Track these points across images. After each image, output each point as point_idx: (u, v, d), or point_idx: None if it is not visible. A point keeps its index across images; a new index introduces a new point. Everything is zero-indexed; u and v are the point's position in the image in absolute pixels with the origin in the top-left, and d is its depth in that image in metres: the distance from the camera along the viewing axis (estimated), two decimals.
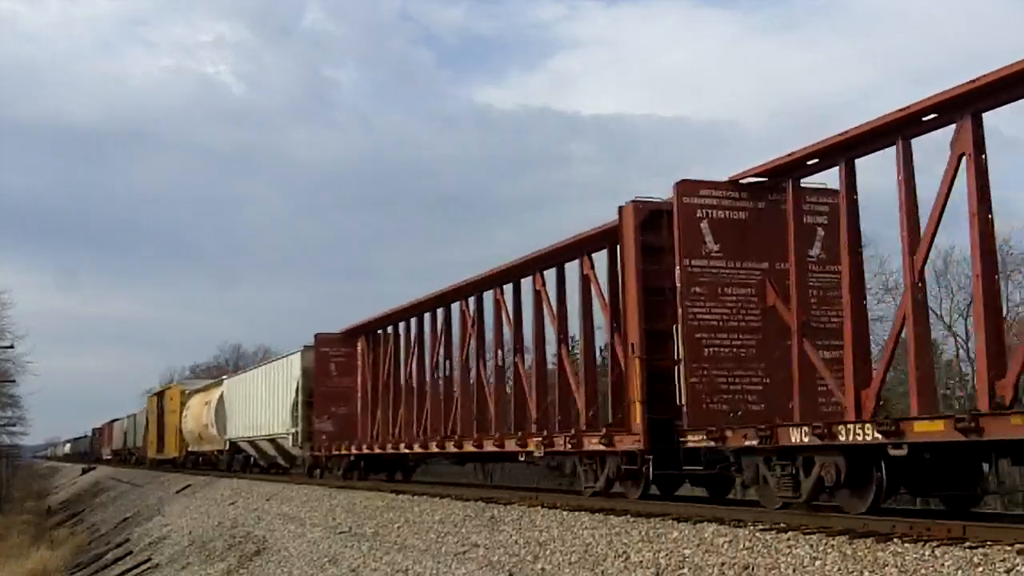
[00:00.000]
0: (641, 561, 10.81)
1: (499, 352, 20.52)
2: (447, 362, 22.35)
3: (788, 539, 9.95)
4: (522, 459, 18.32)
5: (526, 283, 18.99)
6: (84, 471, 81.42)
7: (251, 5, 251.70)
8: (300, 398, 28.59)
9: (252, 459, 37.34)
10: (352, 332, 28.08)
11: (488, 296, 20.42)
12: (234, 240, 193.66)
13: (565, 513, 13.95)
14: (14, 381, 53.61)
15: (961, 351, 36.07)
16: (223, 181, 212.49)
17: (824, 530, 10.00)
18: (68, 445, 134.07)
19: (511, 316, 19.45)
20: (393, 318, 25.35)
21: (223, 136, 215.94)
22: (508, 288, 19.62)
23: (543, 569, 11.80)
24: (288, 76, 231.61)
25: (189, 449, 46.40)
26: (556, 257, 17.48)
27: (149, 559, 24.45)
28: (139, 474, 53.54)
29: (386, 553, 15.06)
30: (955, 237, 30.97)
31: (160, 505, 34.42)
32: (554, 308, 17.92)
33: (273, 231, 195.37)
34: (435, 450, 21.58)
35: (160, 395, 55.61)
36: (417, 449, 22.45)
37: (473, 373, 20.76)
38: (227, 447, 38.75)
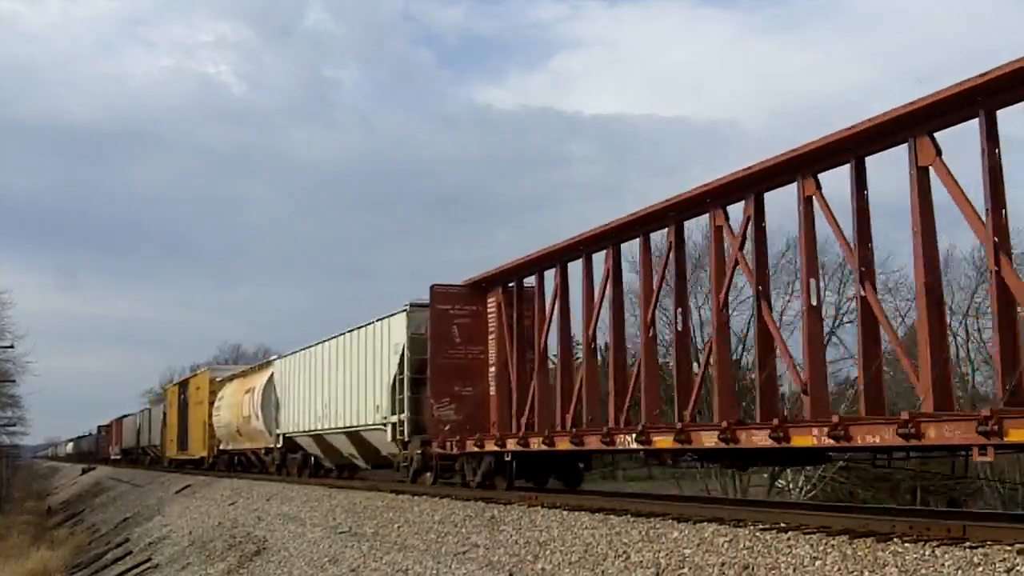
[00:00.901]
0: (641, 561, 10.81)
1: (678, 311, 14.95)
2: (616, 324, 16.13)
3: (788, 539, 9.95)
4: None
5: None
6: (84, 471, 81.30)
7: (252, 5, 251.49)
8: (406, 375, 20.79)
9: (313, 459, 29.58)
10: (483, 283, 20.26)
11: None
12: (234, 240, 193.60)
13: (565, 513, 13.95)
14: (14, 381, 53.67)
15: (961, 351, 36.18)
16: (223, 181, 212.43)
17: (824, 530, 10.00)
18: (70, 444, 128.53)
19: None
20: (542, 262, 18.10)
21: (223, 136, 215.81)
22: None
23: (543, 569, 11.80)
24: (289, 76, 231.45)
25: (221, 447, 39.34)
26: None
27: (149, 559, 24.45)
28: (139, 474, 53.53)
29: (386, 553, 15.06)
30: (953, 237, 31.03)
31: (160, 505, 34.43)
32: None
33: (273, 231, 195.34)
34: (633, 445, 14.42)
35: (183, 384, 49.17)
36: (599, 444, 15.13)
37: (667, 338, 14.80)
38: (278, 444, 31.13)
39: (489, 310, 20.19)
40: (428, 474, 20.66)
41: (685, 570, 10.14)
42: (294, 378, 29.62)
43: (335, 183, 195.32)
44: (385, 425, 21.63)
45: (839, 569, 8.79)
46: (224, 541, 21.71)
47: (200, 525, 25.79)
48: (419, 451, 20.36)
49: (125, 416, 75.40)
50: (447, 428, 19.38)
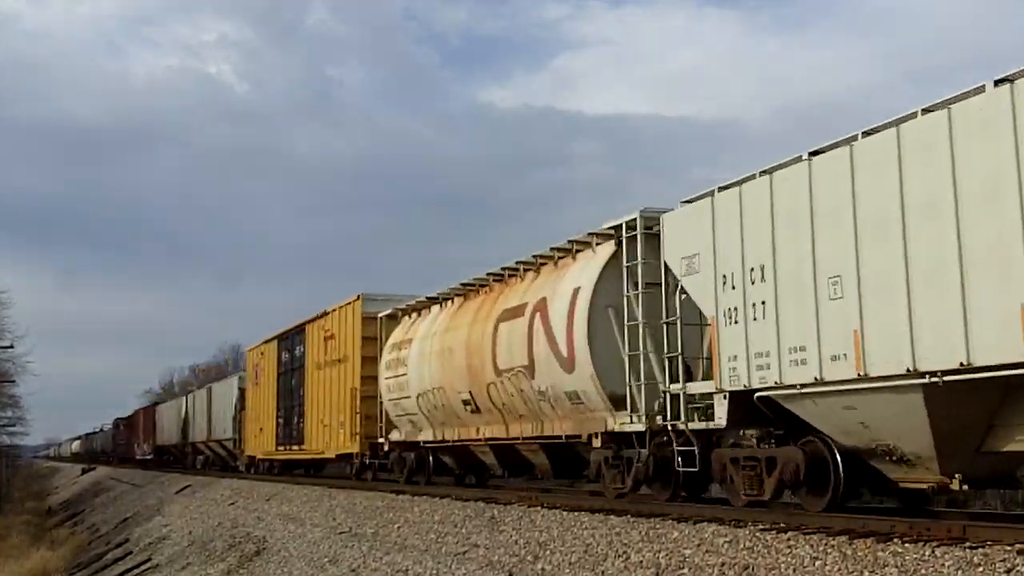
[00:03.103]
0: (641, 561, 10.81)
1: None
2: None
3: (788, 539, 9.96)
4: None
5: None
6: (84, 471, 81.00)
7: (255, 4, 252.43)
8: None
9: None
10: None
11: None
12: (235, 240, 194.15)
13: (565, 513, 13.96)
14: (14, 381, 53.60)
15: None
16: (224, 181, 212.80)
17: (824, 530, 10.00)
18: (76, 443, 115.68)
19: None
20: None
21: (225, 136, 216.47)
22: None
23: (543, 569, 11.80)
24: (291, 75, 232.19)
25: (400, 437, 21.83)
26: None
27: (149, 559, 24.45)
28: (139, 474, 53.51)
29: (386, 553, 15.06)
30: None
31: (160, 505, 34.42)
32: None
33: (274, 231, 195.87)
34: None
35: (291, 335, 30.19)
36: None
37: None
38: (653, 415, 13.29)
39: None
40: None
41: (685, 570, 10.14)
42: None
43: (337, 183, 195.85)
44: None
45: (839, 569, 8.79)
46: (224, 541, 21.72)
47: (200, 525, 25.79)
48: None
49: (158, 403, 63.08)
50: None
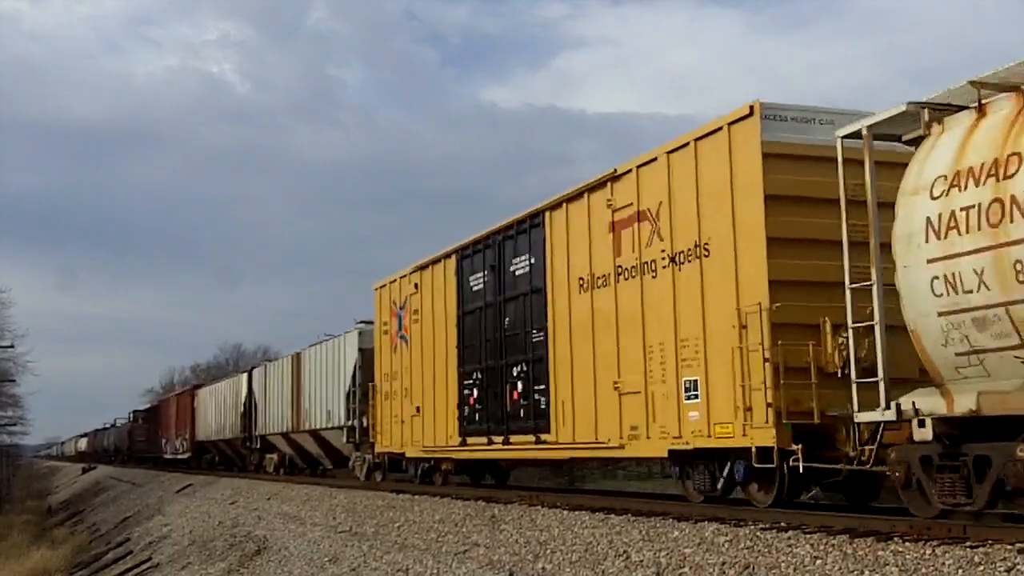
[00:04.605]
0: (642, 560, 10.80)
1: None
2: None
3: (789, 538, 9.95)
4: None
5: None
6: (84, 470, 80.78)
7: (256, 4, 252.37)
8: None
9: None
10: None
11: None
12: (236, 239, 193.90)
13: (565, 512, 13.97)
14: (14, 381, 53.63)
15: None
16: (225, 180, 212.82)
17: (825, 529, 9.99)
18: (82, 441, 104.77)
19: None
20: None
21: (226, 135, 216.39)
22: None
23: (544, 568, 11.80)
24: (292, 75, 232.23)
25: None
26: None
27: (149, 559, 24.45)
28: (139, 473, 53.48)
29: (387, 552, 15.06)
30: None
31: (160, 505, 34.40)
32: None
33: (275, 230, 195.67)
34: None
35: (520, 228, 16.83)
36: None
37: None
38: None
39: None
40: None
41: (685, 569, 10.13)
42: None
43: (338, 182, 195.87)
44: None
45: (840, 569, 8.78)
46: (224, 540, 21.71)
47: (200, 524, 25.79)
48: None
49: (199, 385, 49.24)
50: None
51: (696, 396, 12.52)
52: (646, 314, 13.54)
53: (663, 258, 13.22)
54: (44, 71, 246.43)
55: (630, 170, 14.00)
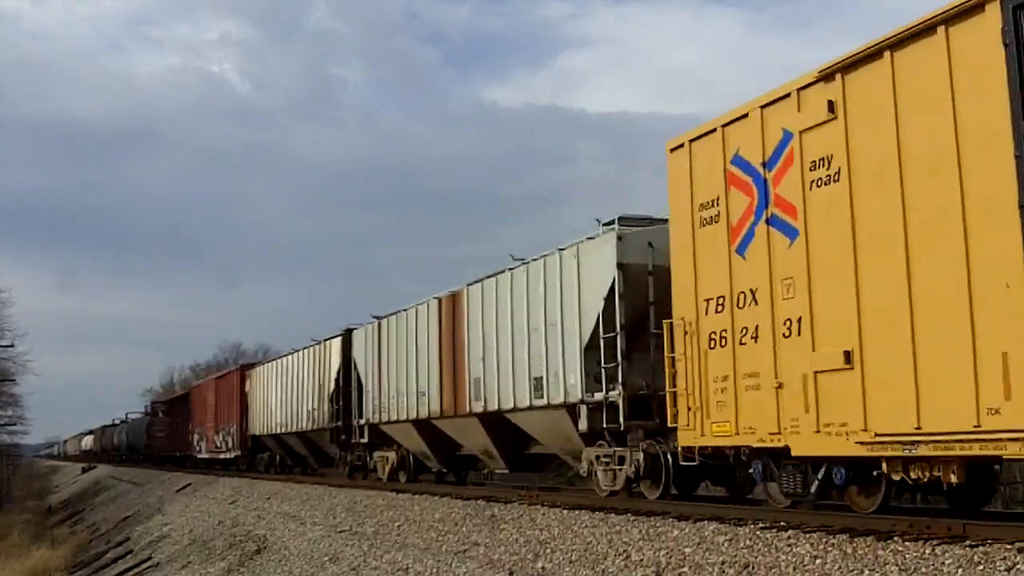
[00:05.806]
0: (642, 560, 10.80)
1: None
2: None
3: (788, 537, 9.95)
4: None
5: None
6: (84, 470, 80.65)
7: (257, 3, 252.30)
8: None
9: None
10: None
11: None
12: (236, 239, 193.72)
13: (565, 512, 13.97)
14: (14, 380, 53.59)
15: None
16: (226, 180, 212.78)
17: (825, 528, 9.99)
18: (88, 438, 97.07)
19: None
20: None
21: (227, 135, 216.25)
22: None
23: (543, 568, 11.80)
24: (293, 75, 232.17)
25: None
26: None
27: (149, 558, 24.44)
28: (139, 473, 53.47)
29: (387, 552, 15.06)
30: None
31: (160, 504, 34.39)
32: None
33: (275, 230, 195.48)
34: None
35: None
36: None
37: None
38: None
39: None
40: None
41: (685, 569, 10.13)
42: None
43: (338, 182, 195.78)
44: None
45: (840, 568, 8.79)
46: (224, 540, 21.71)
47: (201, 524, 25.78)
48: None
49: (251, 364, 37.04)
50: None
51: None
52: None
53: None
54: (44, 71, 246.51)
55: None
